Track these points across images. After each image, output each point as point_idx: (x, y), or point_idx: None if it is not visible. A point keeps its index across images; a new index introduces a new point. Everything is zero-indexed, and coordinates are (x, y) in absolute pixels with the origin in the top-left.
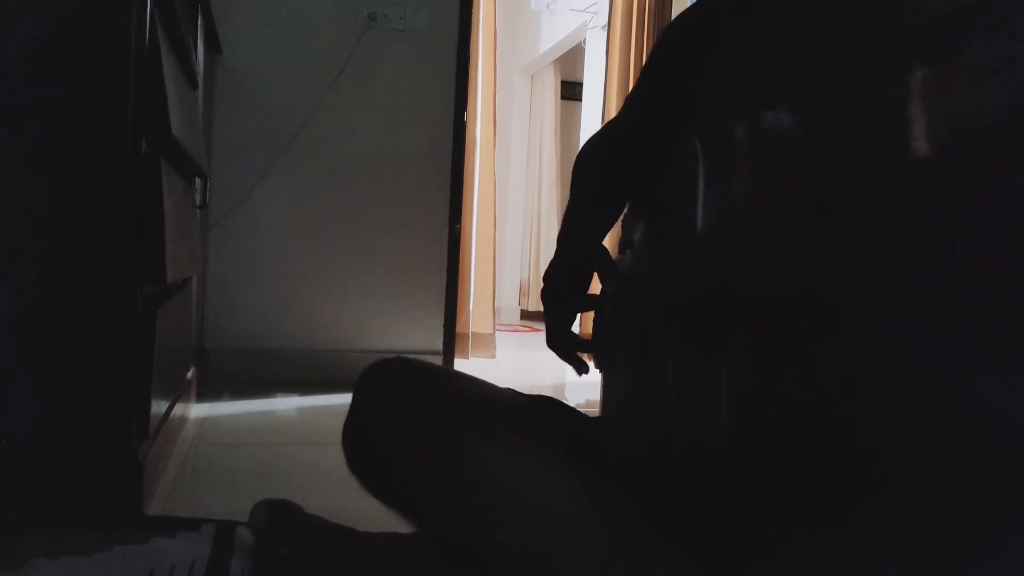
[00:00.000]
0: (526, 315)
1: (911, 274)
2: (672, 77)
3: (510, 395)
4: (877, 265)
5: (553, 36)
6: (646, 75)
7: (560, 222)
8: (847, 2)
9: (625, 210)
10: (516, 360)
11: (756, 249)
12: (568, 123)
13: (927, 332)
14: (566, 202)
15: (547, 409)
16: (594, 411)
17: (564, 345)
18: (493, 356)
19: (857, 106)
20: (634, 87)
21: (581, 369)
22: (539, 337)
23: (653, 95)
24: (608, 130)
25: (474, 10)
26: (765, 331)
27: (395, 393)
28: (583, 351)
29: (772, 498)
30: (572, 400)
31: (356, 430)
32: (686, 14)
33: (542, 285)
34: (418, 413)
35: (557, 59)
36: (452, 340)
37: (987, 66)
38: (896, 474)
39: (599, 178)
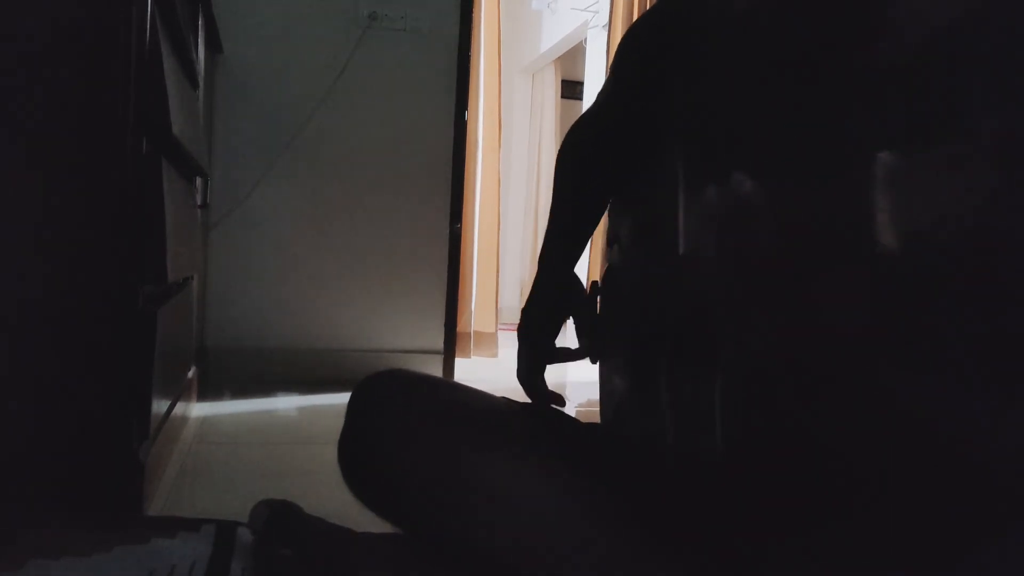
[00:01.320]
0: None
1: (889, 333)
2: (638, 80)
3: (503, 404)
4: (853, 324)
5: (554, 35)
6: (615, 73)
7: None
8: (811, 51)
9: (610, 203)
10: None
11: (731, 296)
12: (568, 122)
13: (913, 372)
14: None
15: (541, 417)
16: (595, 410)
17: (532, 386)
18: (495, 355)
19: (821, 182)
20: (606, 79)
21: (546, 406)
22: None
23: (623, 94)
24: (585, 121)
25: (475, 9)
26: (753, 358)
27: (387, 407)
28: (551, 398)
29: (767, 508)
30: (574, 400)
31: (351, 445)
32: (650, 14)
33: (519, 320)
34: (411, 426)
35: (558, 58)
36: (453, 339)
37: (951, 162)
38: (886, 488)
39: (578, 172)
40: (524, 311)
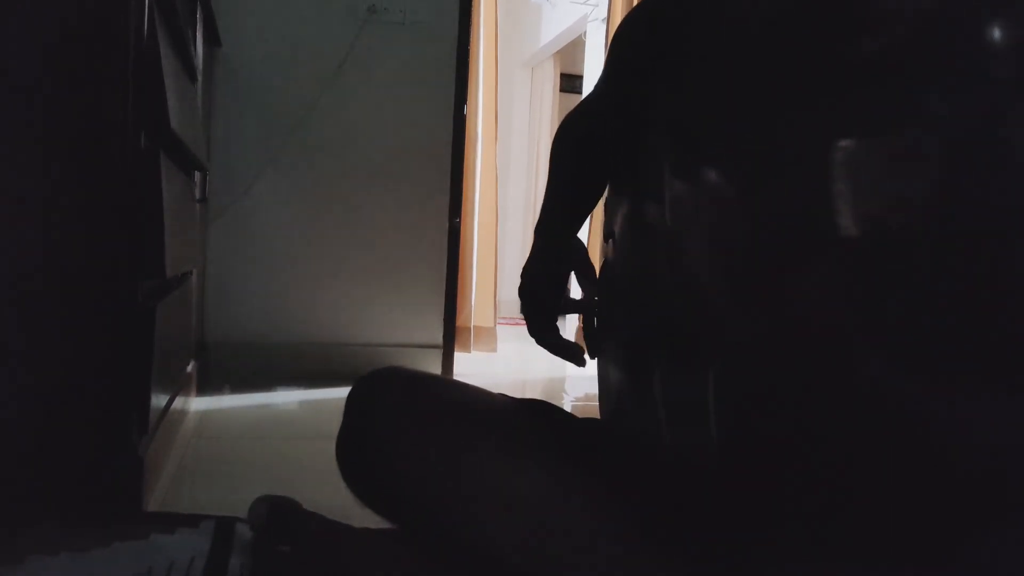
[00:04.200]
0: None
1: (859, 324)
2: (630, 69)
3: (501, 401)
4: (827, 316)
5: (553, 29)
6: (609, 62)
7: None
8: (783, 47)
9: (606, 195)
10: (518, 353)
11: (714, 289)
12: None
13: (892, 365)
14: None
15: (538, 414)
16: (594, 404)
17: (548, 338)
18: (494, 350)
19: (786, 172)
20: (602, 72)
21: (576, 359)
22: None
23: (616, 84)
24: (582, 109)
25: (475, 3)
26: (743, 353)
27: (385, 405)
28: (569, 349)
29: (763, 506)
30: (572, 393)
31: (349, 443)
32: (643, 5)
33: (519, 282)
34: (409, 424)
35: (557, 52)
36: (452, 334)
37: (904, 147)
38: (878, 484)
39: (573, 160)
40: (524, 271)
